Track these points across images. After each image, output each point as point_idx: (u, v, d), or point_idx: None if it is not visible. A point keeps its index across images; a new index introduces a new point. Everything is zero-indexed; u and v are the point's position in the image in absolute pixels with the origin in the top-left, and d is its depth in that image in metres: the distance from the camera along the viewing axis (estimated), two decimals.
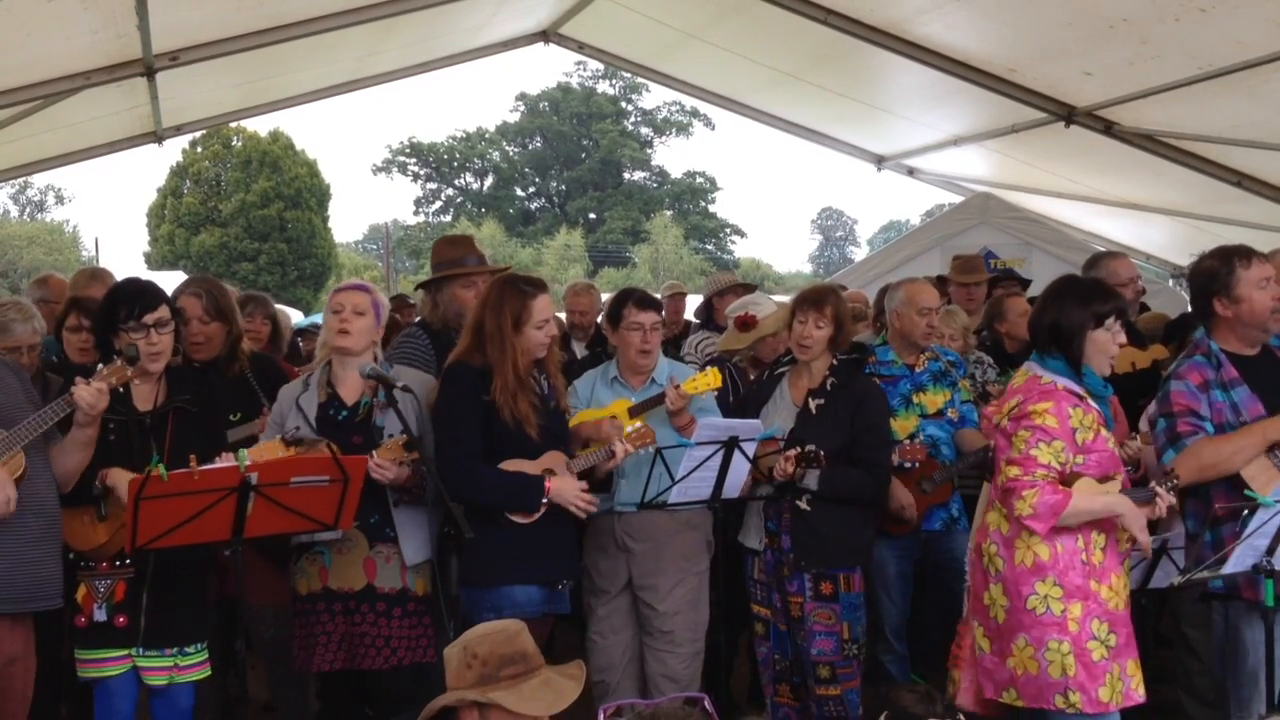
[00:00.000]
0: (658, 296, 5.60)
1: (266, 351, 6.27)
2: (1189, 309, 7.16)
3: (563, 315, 8.59)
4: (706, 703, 4.42)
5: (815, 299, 5.31)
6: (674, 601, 5.17)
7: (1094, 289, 4.33)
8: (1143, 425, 5.46)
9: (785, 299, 6.26)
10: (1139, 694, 4.13)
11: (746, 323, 6.30)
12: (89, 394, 4.08)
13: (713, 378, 5.11)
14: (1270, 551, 3.98)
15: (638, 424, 4.95)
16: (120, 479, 4.26)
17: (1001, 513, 4.19)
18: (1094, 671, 4.03)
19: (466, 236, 6.37)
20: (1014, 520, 4.09)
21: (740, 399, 5.69)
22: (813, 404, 5.27)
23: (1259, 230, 9.38)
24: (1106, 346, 4.21)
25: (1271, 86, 7.23)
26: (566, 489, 4.72)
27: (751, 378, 6.08)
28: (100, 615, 4.37)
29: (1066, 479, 4.07)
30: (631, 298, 5.33)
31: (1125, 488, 4.20)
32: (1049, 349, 4.24)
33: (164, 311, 4.47)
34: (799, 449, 4.99)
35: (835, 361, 5.34)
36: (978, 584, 4.31)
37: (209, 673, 4.60)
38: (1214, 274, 4.54)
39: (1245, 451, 4.31)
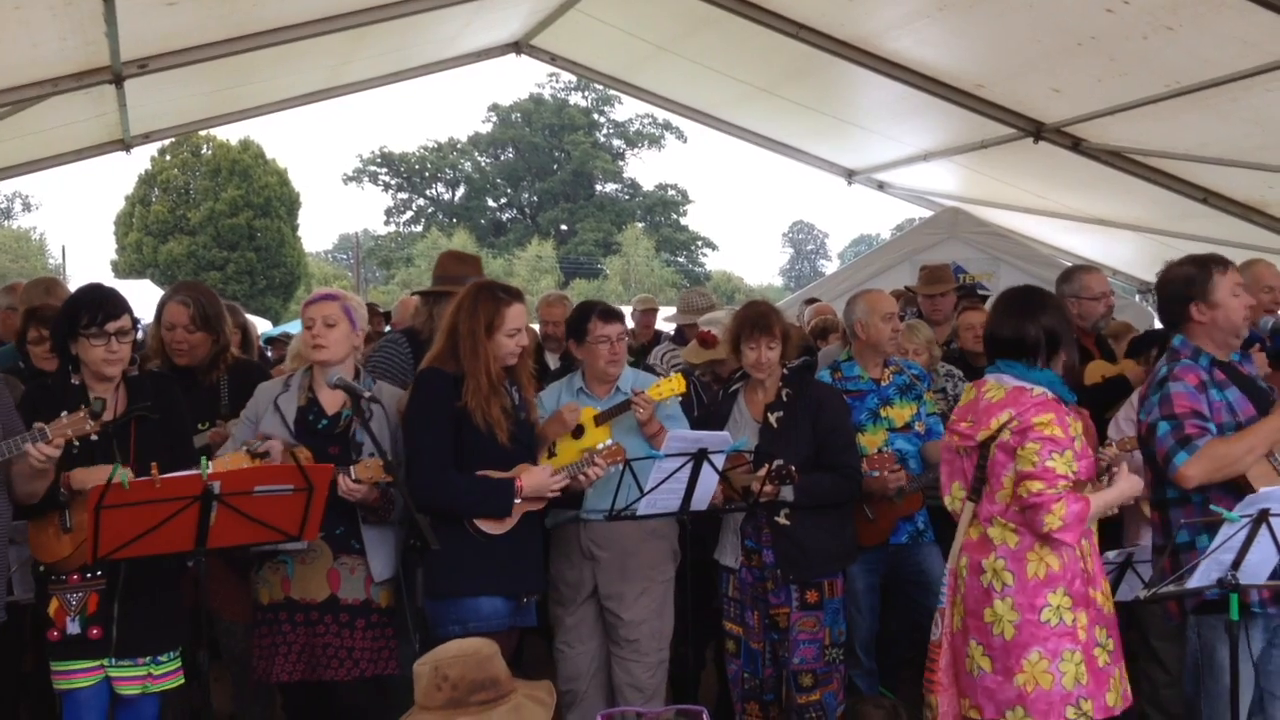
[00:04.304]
0: (619, 308, 5.58)
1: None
2: (1155, 325, 7.21)
3: (536, 326, 8.57)
4: (705, 716, 4.40)
5: (762, 324, 5.26)
6: (639, 610, 5.16)
7: (1058, 301, 4.42)
8: (1112, 432, 5.48)
9: None
10: (1129, 695, 4.18)
11: (706, 340, 6.31)
12: (39, 455, 4.02)
13: (676, 383, 5.10)
14: (1235, 566, 3.98)
15: (609, 441, 4.92)
16: (85, 478, 4.23)
17: (1008, 527, 4.12)
18: (1100, 678, 4.07)
19: (475, 257, 6.35)
20: (1023, 533, 4.07)
21: (701, 414, 5.67)
22: (772, 418, 5.27)
23: (1224, 246, 9.42)
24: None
25: (1238, 104, 7.30)
26: (539, 480, 4.67)
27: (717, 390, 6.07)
28: (73, 628, 4.32)
29: (1078, 487, 4.08)
30: (594, 311, 5.29)
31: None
32: (1033, 358, 4.20)
33: (125, 321, 4.43)
34: (768, 468, 4.97)
35: (785, 372, 5.36)
36: (976, 602, 4.18)
37: (183, 681, 4.54)
38: (1191, 279, 4.54)
39: (1256, 450, 4.29)
